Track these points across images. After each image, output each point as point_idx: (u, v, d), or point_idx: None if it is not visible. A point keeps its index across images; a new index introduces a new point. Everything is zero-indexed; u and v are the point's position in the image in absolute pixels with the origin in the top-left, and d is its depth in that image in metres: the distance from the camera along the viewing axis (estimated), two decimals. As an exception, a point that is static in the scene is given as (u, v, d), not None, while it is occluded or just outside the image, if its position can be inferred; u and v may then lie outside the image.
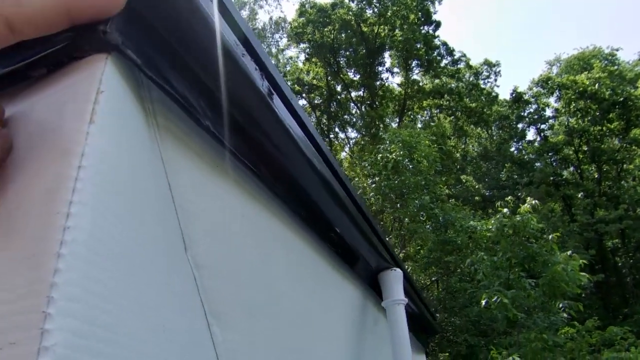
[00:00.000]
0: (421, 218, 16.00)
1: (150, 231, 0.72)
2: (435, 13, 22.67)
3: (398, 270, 1.95)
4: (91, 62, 0.67)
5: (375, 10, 22.75)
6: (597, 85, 22.73)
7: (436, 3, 22.63)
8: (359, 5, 22.69)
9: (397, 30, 22.39)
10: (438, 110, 25.16)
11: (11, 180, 0.60)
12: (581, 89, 23.21)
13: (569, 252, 11.34)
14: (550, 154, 24.83)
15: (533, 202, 13.48)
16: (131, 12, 0.66)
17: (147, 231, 0.70)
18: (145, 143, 0.76)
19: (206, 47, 0.80)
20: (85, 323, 0.52)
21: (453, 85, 23.68)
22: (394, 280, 1.90)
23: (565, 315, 11.85)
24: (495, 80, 25.30)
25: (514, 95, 25.43)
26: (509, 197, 23.21)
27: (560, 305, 11.49)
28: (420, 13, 22.14)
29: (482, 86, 24.69)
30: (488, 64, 25.02)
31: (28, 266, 0.51)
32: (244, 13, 24.84)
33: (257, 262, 1.06)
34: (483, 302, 10.76)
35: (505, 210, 12.58)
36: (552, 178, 23.53)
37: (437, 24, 22.68)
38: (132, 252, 0.64)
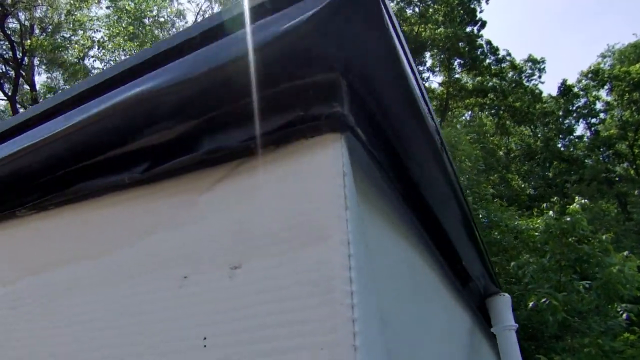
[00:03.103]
0: (464, 219, 15.64)
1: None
2: (481, 12, 22.08)
3: (506, 295, 1.96)
4: (328, 142, 0.69)
5: (417, 9, 22.44)
6: (653, 75, 21.46)
7: (482, 3, 22.04)
8: (399, 5, 22.43)
9: (440, 28, 21.99)
10: (480, 111, 24.56)
11: (275, 256, 0.62)
12: (635, 79, 21.94)
13: (625, 253, 10.78)
14: (602, 149, 23.64)
15: (582, 201, 12.85)
16: (355, 93, 0.70)
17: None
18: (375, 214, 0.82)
19: (412, 122, 0.86)
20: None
21: (496, 81, 23.02)
22: (503, 306, 1.90)
23: (624, 318, 11.22)
24: (540, 77, 24.37)
25: (562, 88, 24.38)
26: (555, 198, 22.23)
27: (619, 309, 10.89)
28: (462, 11, 21.66)
29: (526, 84, 23.86)
30: (532, 60, 24.13)
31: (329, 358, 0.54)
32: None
33: (415, 286, 1.17)
34: (530, 304, 10.39)
35: (550, 212, 12.05)
36: (604, 175, 22.37)
37: (483, 24, 22.07)
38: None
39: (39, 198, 1.05)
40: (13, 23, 22.42)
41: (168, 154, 0.85)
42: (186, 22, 24.89)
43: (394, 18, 0.76)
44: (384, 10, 0.68)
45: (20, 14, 22.11)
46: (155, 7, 21.25)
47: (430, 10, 22.03)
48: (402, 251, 1.13)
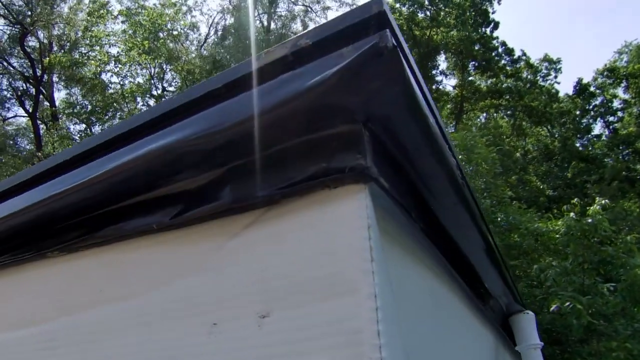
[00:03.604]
0: (483, 223, 15.42)
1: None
2: (493, 13, 21.91)
3: (530, 313, 1.94)
4: (352, 193, 0.69)
5: (428, 13, 22.38)
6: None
7: (495, 3, 21.84)
8: (410, 9, 22.38)
9: (453, 31, 21.85)
10: (496, 113, 24.32)
11: (302, 308, 0.63)
12: (653, 76, 21.48)
13: (650, 254, 10.51)
14: (621, 147, 23.15)
15: (603, 201, 12.57)
16: (377, 142, 0.72)
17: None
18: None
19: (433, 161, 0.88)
20: None
21: (511, 83, 22.77)
22: (527, 324, 1.88)
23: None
24: (556, 77, 24.05)
25: (578, 87, 24.00)
26: (575, 200, 21.78)
27: (646, 311, 10.58)
28: (474, 13, 21.52)
29: (542, 84, 23.57)
30: (548, 60, 23.83)
31: None
32: (295, 26, 25.30)
33: (440, 314, 1.18)
34: (553, 307, 10.18)
35: (572, 214, 11.80)
36: (625, 173, 21.88)
37: (496, 25, 21.88)
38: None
39: (69, 240, 1.08)
40: (32, 41, 23.10)
41: (196, 201, 0.88)
42: (199, 34, 25.26)
43: (414, 66, 0.77)
44: (405, 65, 0.69)
45: (39, 32, 22.73)
46: (169, 21, 21.62)
47: (442, 13, 21.94)
48: (424, 281, 1.14)
